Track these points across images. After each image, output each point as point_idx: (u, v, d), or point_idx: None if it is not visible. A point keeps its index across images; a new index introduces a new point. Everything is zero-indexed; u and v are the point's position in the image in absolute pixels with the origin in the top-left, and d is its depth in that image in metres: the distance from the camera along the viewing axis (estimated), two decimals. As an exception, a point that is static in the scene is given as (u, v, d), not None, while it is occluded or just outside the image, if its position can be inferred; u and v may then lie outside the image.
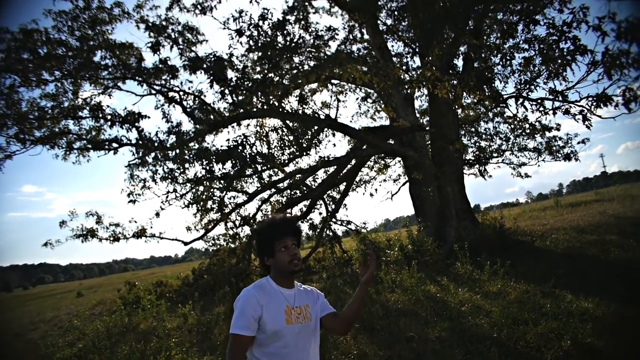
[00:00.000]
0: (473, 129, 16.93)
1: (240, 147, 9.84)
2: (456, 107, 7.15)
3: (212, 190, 11.81)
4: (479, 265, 8.18)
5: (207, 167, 9.83)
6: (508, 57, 6.15)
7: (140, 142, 10.34)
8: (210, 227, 12.36)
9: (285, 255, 2.15)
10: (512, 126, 13.20)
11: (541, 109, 6.36)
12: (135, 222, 11.31)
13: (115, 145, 10.46)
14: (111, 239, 10.99)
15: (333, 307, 2.35)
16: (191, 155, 10.15)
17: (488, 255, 8.24)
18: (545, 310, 5.13)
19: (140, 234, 11.23)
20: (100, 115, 9.95)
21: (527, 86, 6.53)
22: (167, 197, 11.46)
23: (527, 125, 8.08)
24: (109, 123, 9.94)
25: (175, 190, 11.43)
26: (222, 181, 10.89)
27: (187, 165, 10.69)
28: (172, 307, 10.40)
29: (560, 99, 5.94)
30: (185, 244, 12.12)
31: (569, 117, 5.90)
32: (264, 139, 12.27)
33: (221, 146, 10.80)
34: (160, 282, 14.92)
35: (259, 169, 11.02)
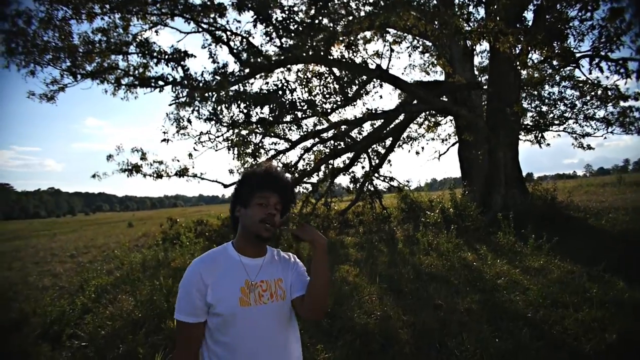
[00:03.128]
0: (535, 92, 15.64)
1: (280, 92, 9.51)
2: (518, 64, 6.37)
3: (250, 134, 11.71)
4: (523, 237, 7.68)
5: (245, 111, 9.63)
6: (590, 8, 5.28)
7: (186, 81, 10.28)
8: (249, 171, 12.41)
9: (259, 211, 1.68)
10: (581, 92, 11.93)
11: (622, 71, 5.51)
12: (178, 161, 11.53)
13: (161, 83, 10.48)
14: (155, 175, 11.29)
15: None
16: (228, 98, 9.97)
17: (534, 228, 7.69)
18: (591, 295, 4.69)
19: (182, 173, 11.46)
20: (147, 51, 9.91)
21: (609, 44, 5.66)
22: (199, 138, 11.49)
23: (599, 92, 7.10)
24: (155, 60, 9.91)
25: (209, 132, 11.39)
26: (258, 126, 10.70)
27: (225, 107, 10.57)
28: (210, 246, 10.71)
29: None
30: (225, 186, 12.28)
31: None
32: (306, 85, 11.81)
33: (260, 89, 10.56)
34: (201, 220, 15.41)
35: (299, 115, 10.67)
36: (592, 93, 12.69)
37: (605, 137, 14.30)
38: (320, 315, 1.74)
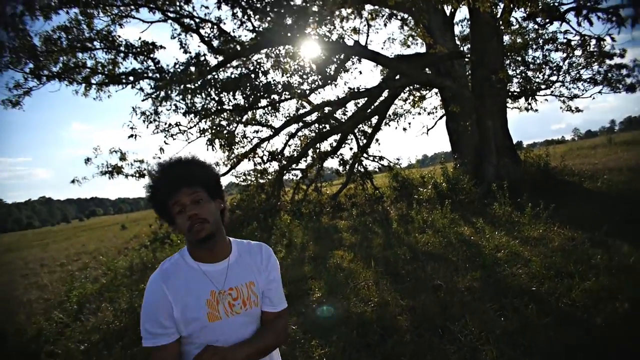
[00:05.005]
0: (519, 58, 15.32)
1: (252, 75, 9.06)
2: (501, 24, 5.99)
3: (230, 124, 11.21)
4: (519, 206, 7.46)
5: (216, 98, 9.16)
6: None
7: (158, 74, 9.81)
8: (234, 162, 12.04)
9: (182, 220, 1.38)
10: (568, 52, 11.63)
11: (614, 19, 5.17)
12: (159, 158, 11.09)
13: (132, 78, 9.99)
14: (137, 175, 10.87)
15: (279, 299, 1.56)
16: (201, 86, 9.48)
17: (530, 196, 7.48)
18: (596, 262, 4.46)
19: (164, 170, 11.01)
20: (113, 46, 9.39)
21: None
22: (169, 131, 10.88)
23: (587, 49, 6.74)
24: (122, 55, 9.39)
25: (178, 124, 10.79)
26: (232, 113, 10.20)
27: (201, 96, 10.07)
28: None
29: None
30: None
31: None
32: (281, 66, 11.28)
33: (231, 74, 10.07)
34: (191, 217, 15.02)
35: (276, 99, 10.19)
36: (578, 53, 12.40)
37: (593, 98, 14.07)
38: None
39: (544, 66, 14.91)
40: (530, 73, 15.36)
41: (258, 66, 9.63)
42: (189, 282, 1.40)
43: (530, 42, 14.68)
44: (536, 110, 15.43)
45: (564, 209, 7.15)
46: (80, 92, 10.41)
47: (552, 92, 15.26)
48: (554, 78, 14.92)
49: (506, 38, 14.07)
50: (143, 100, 10.19)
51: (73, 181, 10.46)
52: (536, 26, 12.24)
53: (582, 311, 3.55)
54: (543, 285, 4.20)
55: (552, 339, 3.16)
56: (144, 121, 10.40)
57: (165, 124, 10.57)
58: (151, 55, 9.53)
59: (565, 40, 13.45)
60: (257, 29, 10.34)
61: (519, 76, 15.49)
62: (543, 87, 15.26)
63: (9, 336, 5.34)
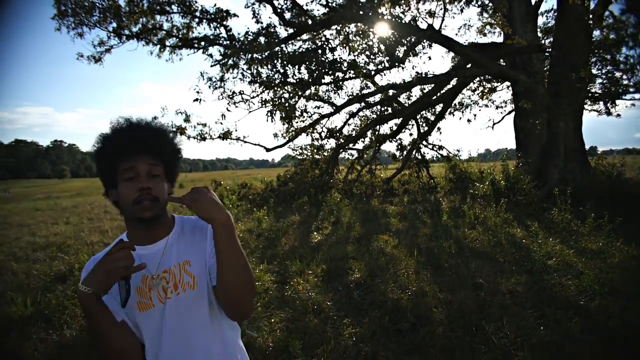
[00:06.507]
0: (609, 56, 14.03)
1: (319, 51, 9.04)
2: (591, 18, 5.45)
3: (293, 97, 11.33)
4: (581, 215, 7.02)
5: (281, 71, 9.27)
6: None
7: (229, 42, 10.08)
8: (292, 136, 12.24)
9: (130, 189, 1.21)
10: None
11: None
12: (221, 123, 11.49)
13: (204, 43, 10.35)
14: (198, 137, 11.36)
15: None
16: (262, 57, 9.61)
17: (594, 206, 7.01)
18: (658, 285, 4.16)
19: (225, 135, 11.46)
20: (188, 11, 9.75)
21: None
22: (232, 98, 11.10)
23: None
24: (197, 20, 9.74)
25: (242, 92, 11.02)
26: (295, 87, 10.27)
27: (268, 67, 10.24)
28: (252, 210, 10.77)
29: None
30: (268, 150, 12.20)
31: None
32: (350, 44, 11.14)
33: (299, 48, 10.10)
34: (245, 184, 15.56)
35: (340, 76, 10.12)
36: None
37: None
38: (237, 317, 1.33)
39: (637, 67, 13.56)
40: (618, 74, 14.09)
41: (326, 42, 9.62)
42: None
43: (627, 39, 13.32)
44: (618, 115, 14.25)
45: (633, 225, 6.64)
46: (154, 52, 10.99)
47: (640, 97, 13.97)
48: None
49: (596, 33, 12.95)
50: (212, 66, 10.57)
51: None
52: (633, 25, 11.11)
53: (637, 336, 3.34)
54: (593, 301, 3.98)
55: (594, 356, 3.03)
56: (209, 86, 10.80)
57: (230, 91, 10.92)
58: (224, 23, 9.82)
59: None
60: (330, 3, 10.28)
61: (603, 76, 14.28)
62: (632, 90, 13.94)
63: (74, 271, 5.98)
